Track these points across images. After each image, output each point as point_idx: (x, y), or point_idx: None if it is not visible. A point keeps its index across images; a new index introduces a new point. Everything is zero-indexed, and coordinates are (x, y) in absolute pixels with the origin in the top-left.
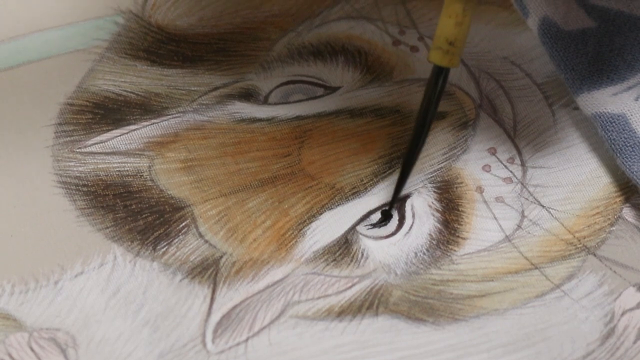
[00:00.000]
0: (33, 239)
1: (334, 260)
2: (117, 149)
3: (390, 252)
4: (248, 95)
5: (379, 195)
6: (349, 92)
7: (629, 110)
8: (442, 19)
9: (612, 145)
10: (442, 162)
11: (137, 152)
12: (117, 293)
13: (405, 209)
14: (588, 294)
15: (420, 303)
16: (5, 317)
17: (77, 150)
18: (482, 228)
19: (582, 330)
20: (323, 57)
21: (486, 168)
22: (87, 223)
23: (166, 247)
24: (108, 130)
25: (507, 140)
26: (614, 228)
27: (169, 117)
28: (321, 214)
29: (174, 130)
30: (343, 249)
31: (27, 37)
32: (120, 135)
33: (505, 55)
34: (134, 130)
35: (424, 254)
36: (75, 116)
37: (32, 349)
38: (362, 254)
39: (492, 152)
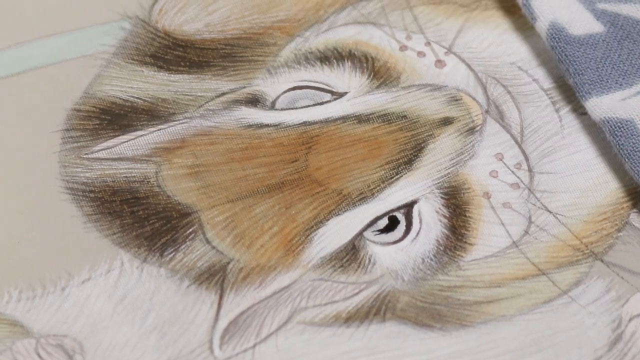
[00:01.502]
0: (40, 245)
1: (341, 266)
2: (124, 155)
3: (397, 258)
4: (255, 101)
5: (386, 201)
6: (356, 98)
7: (637, 115)
8: None
9: (621, 151)
10: (449, 168)
11: (144, 158)
12: (124, 299)
13: (413, 214)
14: (595, 300)
15: (427, 309)
16: (12, 324)
17: (84, 156)
18: (490, 234)
19: (590, 336)
20: (330, 62)
21: (493, 174)
22: (94, 229)
23: (173, 253)
24: (115, 136)
25: (514, 146)
26: (621, 234)
27: (176, 122)
28: (328, 220)
29: (180, 136)
30: (350, 255)
31: (33, 43)
32: (127, 141)
33: (513, 61)
34: (141, 136)
35: (431, 260)
36: (82, 122)
37: (39, 356)
38: (370, 260)
39: (500, 157)
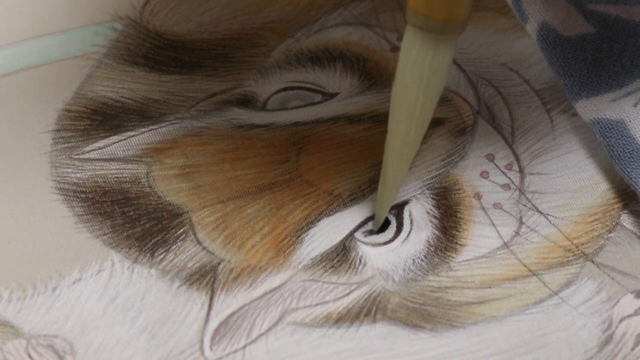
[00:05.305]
0: (31, 246)
1: (332, 267)
2: (115, 156)
3: (388, 258)
4: (246, 102)
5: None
6: (347, 99)
7: (627, 116)
8: None
9: (611, 151)
10: (440, 169)
11: (135, 159)
12: (115, 300)
13: (403, 215)
14: (586, 301)
15: (418, 310)
16: (2, 324)
17: (75, 157)
18: (480, 235)
19: (580, 337)
20: (321, 63)
21: (484, 174)
22: (85, 229)
23: (164, 253)
24: (106, 137)
25: (505, 147)
26: (612, 235)
27: (167, 123)
28: (319, 220)
29: (171, 136)
30: (341, 255)
31: (24, 44)
32: (118, 142)
33: (504, 62)
34: (132, 136)
35: (422, 260)
36: (73, 122)
37: (29, 356)
38: (360, 261)
39: (490, 158)
